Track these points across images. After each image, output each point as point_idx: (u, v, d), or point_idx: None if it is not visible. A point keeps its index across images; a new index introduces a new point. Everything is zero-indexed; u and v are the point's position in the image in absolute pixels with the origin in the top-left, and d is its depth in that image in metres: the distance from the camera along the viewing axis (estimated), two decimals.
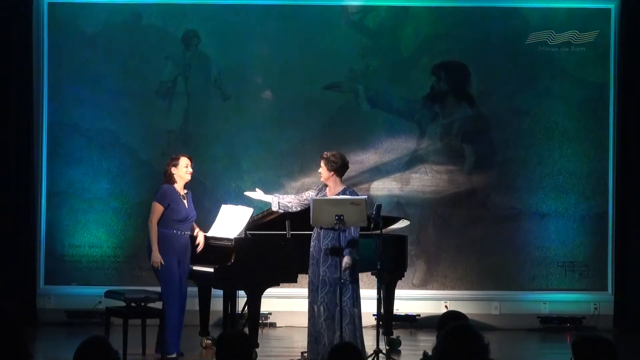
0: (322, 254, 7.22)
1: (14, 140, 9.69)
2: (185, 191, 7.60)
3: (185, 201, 7.55)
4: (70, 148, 9.81)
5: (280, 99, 9.85)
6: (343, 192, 7.30)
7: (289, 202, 7.52)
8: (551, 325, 9.61)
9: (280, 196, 7.62)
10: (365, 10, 9.87)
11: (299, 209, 7.50)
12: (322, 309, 7.16)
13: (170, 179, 7.55)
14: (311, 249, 7.32)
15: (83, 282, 9.75)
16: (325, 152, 7.42)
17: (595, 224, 9.80)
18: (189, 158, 7.62)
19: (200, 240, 7.73)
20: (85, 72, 9.80)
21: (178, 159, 7.57)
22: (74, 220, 9.78)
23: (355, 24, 9.86)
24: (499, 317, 9.69)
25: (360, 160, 9.80)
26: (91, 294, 9.46)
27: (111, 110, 9.81)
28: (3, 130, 9.66)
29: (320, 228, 7.24)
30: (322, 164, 7.37)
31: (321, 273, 7.20)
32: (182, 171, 7.52)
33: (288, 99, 9.83)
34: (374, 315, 8.27)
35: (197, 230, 7.78)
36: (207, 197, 9.48)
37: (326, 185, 7.41)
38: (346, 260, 7.11)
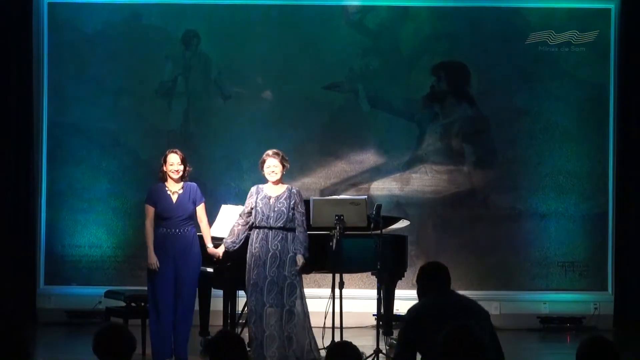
0: (269, 254, 7.13)
1: (14, 140, 9.69)
2: (181, 186, 7.38)
3: (175, 197, 7.34)
4: (70, 148, 9.81)
5: (280, 99, 9.84)
6: (289, 191, 7.21)
7: (236, 239, 7.28)
8: (551, 325, 9.61)
9: (226, 240, 7.37)
10: (365, 10, 9.86)
11: (246, 233, 7.31)
12: (272, 311, 7.07)
13: (162, 176, 7.40)
14: (255, 250, 7.18)
15: (83, 282, 9.74)
16: (276, 150, 7.31)
17: (595, 224, 9.79)
18: (177, 154, 7.37)
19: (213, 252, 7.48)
20: (85, 72, 9.80)
21: (166, 155, 7.39)
22: (74, 220, 9.78)
23: (355, 24, 9.86)
24: (499, 317, 9.67)
25: (360, 160, 9.80)
26: (91, 294, 9.45)
27: (111, 110, 9.80)
28: (3, 130, 9.66)
29: (269, 228, 7.16)
30: (279, 161, 7.24)
31: (269, 275, 7.10)
32: (168, 168, 7.36)
33: (288, 99, 9.83)
34: (374, 315, 8.26)
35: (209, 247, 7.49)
36: (207, 197, 9.34)
37: (262, 187, 7.28)
38: (302, 260, 7.09)
